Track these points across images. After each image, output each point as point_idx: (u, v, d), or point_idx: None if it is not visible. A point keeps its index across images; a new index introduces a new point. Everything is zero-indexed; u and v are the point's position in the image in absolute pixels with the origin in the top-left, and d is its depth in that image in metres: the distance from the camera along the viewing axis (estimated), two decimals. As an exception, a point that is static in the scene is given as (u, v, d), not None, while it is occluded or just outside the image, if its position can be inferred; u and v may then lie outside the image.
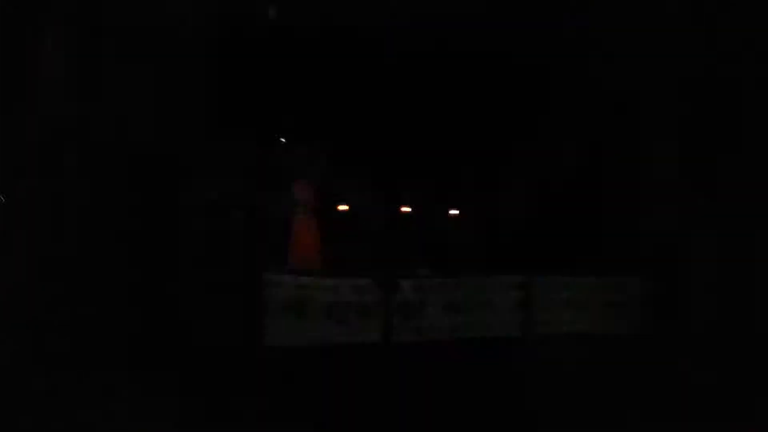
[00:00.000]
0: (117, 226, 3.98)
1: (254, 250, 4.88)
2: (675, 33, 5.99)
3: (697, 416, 4.14)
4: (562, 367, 5.19)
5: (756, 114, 6.16)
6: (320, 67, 6.02)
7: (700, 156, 6.35)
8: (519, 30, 5.92)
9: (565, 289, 5.77)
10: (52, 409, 3.08)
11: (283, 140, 6.38)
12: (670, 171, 6.46)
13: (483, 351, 5.13)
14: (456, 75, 6.42)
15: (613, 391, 4.81)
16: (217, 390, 3.77)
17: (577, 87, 6.62)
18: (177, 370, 3.64)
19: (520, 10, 5.87)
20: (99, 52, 4.21)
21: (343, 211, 6.45)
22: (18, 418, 2.98)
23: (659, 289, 6.07)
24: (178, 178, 4.46)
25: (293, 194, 5.64)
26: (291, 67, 5.84)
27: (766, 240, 6.17)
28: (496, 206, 7.32)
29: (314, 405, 4.03)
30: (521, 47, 6.04)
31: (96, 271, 3.87)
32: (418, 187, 6.80)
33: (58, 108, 4.02)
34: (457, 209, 7.26)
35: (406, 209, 6.88)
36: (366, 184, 6.57)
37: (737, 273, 6.10)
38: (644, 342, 5.77)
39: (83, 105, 4.11)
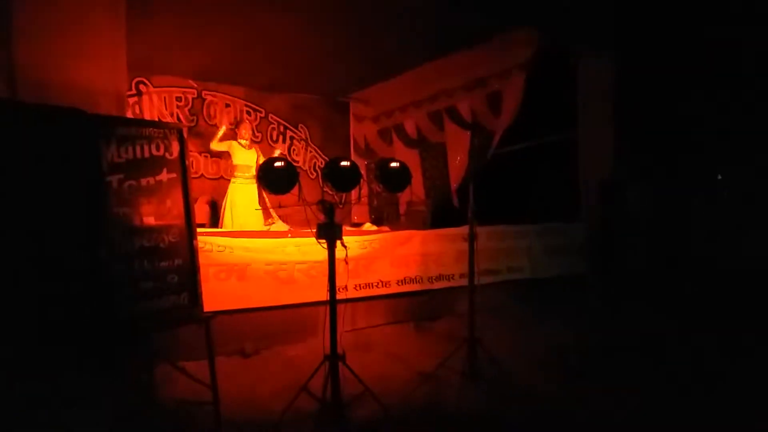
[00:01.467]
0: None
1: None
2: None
3: (638, 350, 4.40)
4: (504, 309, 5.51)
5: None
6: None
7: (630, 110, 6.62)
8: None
9: (506, 238, 5.95)
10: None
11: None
12: (605, 124, 6.69)
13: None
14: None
15: (555, 327, 5.07)
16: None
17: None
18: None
19: None
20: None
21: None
22: None
23: (598, 234, 6.36)
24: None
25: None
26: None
27: (695, 185, 6.53)
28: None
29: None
30: None
31: None
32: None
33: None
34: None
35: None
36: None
37: (670, 215, 6.44)
38: (586, 282, 6.08)
39: None
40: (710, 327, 4.86)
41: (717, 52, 6.43)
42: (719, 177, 7.22)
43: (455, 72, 7.46)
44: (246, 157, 6.47)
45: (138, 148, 3.28)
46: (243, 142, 6.56)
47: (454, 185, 8.16)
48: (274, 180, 3.13)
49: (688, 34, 6.49)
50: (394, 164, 3.45)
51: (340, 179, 3.25)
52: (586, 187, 6.68)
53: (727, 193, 6.84)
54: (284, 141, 8.68)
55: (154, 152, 3.33)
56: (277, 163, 3.12)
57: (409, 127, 8.81)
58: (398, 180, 3.47)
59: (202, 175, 7.72)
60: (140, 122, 4.08)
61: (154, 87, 7.39)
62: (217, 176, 7.79)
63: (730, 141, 6.63)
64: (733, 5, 5.85)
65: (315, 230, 3.21)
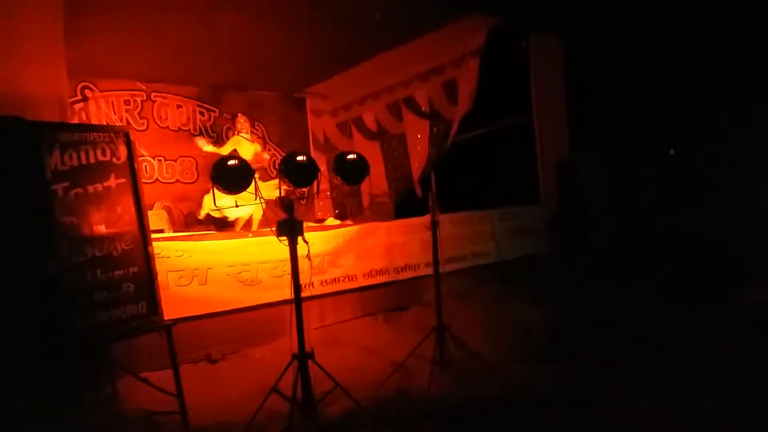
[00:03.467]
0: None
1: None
2: None
3: (603, 327, 4.51)
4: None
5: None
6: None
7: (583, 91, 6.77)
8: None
9: (469, 224, 6.00)
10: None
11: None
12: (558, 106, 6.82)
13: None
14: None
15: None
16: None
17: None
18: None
19: None
20: None
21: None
22: None
23: (557, 214, 6.48)
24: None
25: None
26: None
27: (649, 164, 6.72)
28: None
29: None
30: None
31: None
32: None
33: None
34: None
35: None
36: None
37: (626, 191, 6.61)
38: (549, 262, 6.20)
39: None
40: (670, 298, 5.02)
41: (666, 30, 6.62)
42: (672, 152, 7.46)
43: (410, 62, 7.45)
44: (250, 151, 6.42)
45: (83, 154, 3.15)
46: (245, 135, 6.52)
47: (416, 175, 8.18)
48: (228, 179, 3.05)
49: (637, 14, 6.66)
50: (351, 156, 3.42)
51: (297, 174, 3.20)
52: (543, 169, 6.80)
53: (674, 152, 7.05)
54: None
55: (101, 157, 3.20)
56: (231, 162, 3.04)
57: (368, 120, 8.77)
58: (356, 172, 3.43)
59: (157, 179, 7.49)
60: (84, 127, 3.92)
61: (101, 91, 7.11)
62: (173, 180, 7.57)
63: (681, 115, 6.85)
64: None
65: (275, 228, 3.16)
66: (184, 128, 7.77)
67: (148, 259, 3.31)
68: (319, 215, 8.43)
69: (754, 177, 6.22)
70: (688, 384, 3.30)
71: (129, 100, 7.35)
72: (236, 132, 6.62)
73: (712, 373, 3.42)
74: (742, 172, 6.34)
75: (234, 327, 4.24)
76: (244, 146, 6.46)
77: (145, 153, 7.35)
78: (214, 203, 3.45)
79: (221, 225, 6.26)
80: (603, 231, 6.33)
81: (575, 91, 6.75)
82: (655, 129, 7.12)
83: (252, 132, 6.77)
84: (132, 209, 3.27)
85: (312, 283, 4.61)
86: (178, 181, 7.60)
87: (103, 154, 3.21)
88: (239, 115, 6.77)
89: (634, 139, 7.10)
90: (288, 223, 3.15)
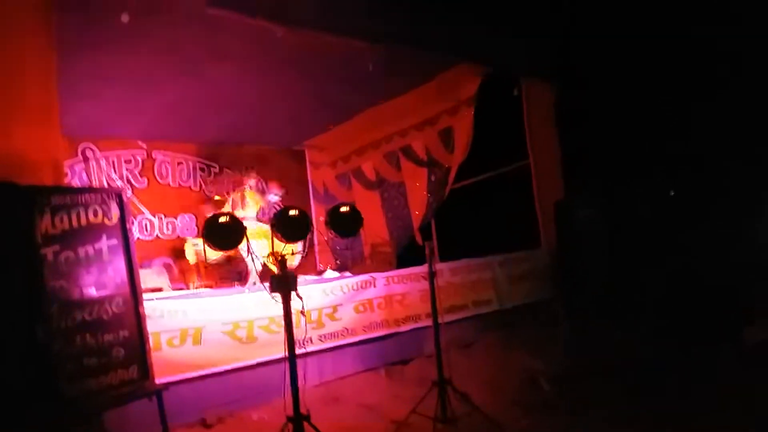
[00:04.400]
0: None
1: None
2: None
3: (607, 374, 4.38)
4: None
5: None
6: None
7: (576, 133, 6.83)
8: None
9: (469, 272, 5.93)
10: None
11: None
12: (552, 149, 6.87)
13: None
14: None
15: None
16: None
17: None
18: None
19: None
20: None
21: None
22: None
23: (557, 258, 6.40)
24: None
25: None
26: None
27: (645, 207, 6.68)
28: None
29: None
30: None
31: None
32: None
33: None
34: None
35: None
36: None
37: (622, 237, 6.54)
38: (551, 308, 6.07)
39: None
40: (672, 338, 4.88)
41: (657, 73, 6.71)
42: (671, 193, 7.42)
43: (406, 112, 7.59)
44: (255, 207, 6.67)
45: (74, 217, 3.15)
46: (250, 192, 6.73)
47: (416, 223, 8.17)
48: (220, 236, 3.03)
49: (627, 60, 6.78)
50: (344, 209, 3.41)
51: (289, 228, 3.17)
52: (541, 213, 6.77)
53: (673, 193, 6.99)
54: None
55: (92, 219, 3.19)
56: (222, 219, 3.03)
57: (367, 170, 8.85)
58: (349, 224, 3.41)
59: (157, 236, 7.50)
60: (76, 190, 3.96)
61: (101, 151, 7.24)
62: (173, 236, 7.58)
63: (679, 154, 6.84)
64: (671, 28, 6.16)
65: (268, 284, 3.11)
66: (184, 184, 7.84)
67: (139, 320, 3.25)
68: (320, 267, 8.36)
69: (757, 216, 6.16)
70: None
71: (130, 159, 7.46)
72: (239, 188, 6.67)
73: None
74: (744, 211, 6.28)
75: (230, 388, 4.10)
76: (249, 202, 6.50)
77: (145, 210, 7.40)
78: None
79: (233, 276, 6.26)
80: (602, 273, 6.22)
81: (570, 134, 6.80)
82: (653, 168, 7.11)
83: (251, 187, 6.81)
84: (123, 270, 3.24)
85: (310, 339, 4.53)
86: (178, 237, 7.60)
87: (95, 215, 3.21)
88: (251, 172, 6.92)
89: (632, 178, 7.09)
90: (281, 278, 3.10)
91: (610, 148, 7.04)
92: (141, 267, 6.45)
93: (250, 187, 6.66)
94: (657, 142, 6.92)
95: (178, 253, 7.21)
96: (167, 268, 6.80)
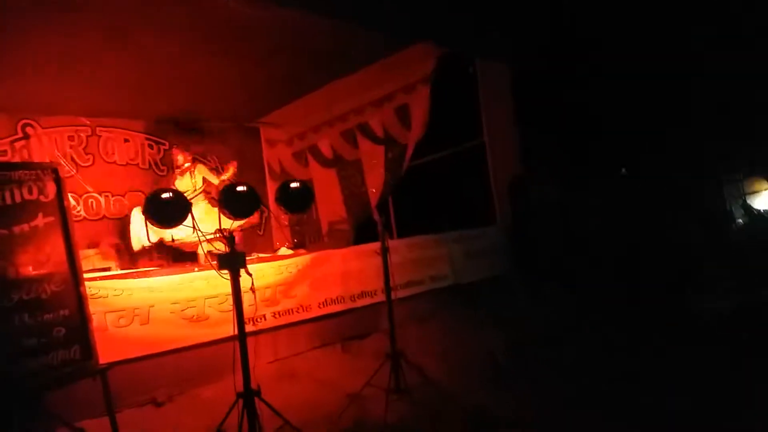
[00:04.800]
0: None
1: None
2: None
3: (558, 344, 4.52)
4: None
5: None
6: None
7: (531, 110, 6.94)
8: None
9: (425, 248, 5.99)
10: None
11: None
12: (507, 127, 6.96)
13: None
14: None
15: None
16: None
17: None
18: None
19: None
20: None
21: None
22: None
23: (512, 233, 6.55)
24: None
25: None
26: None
27: (594, 185, 6.88)
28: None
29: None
30: None
31: None
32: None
33: None
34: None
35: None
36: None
37: (576, 207, 6.72)
38: (506, 282, 6.22)
39: None
40: (622, 306, 5.08)
41: (616, 50, 6.84)
42: (623, 170, 7.66)
43: (362, 89, 7.50)
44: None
45: (8, 194, 3.00)
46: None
47: (373, 201, 8.15)
48: (163, 213, 2.94)
49: (585, 37, 6.89)
50: (294, 185, 3.36)
51: (237, 205, 3.11)
52: (497, 190, 6.88)
53: (624, 171, 7.24)
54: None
55: (27, 196, 3.05)
56: (165, 195, 2.93)
57: (324, 147, 8.74)
58: (300, 200, 3.38)
59: (104, 216, 7.23)
60: (7, 165, 3.77)
61: (43, 128, 6.87)
62: (121, 215, 7.32)
63: (627, 130, 7.05)
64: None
65: (216, 261, 3.05)
66: (132, 162, 7.57)
67: (80, 300, 3.14)
68: (277, 245, 8.27)
69: (708, 192, 6.43)
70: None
71: (73, 136, 7.12)
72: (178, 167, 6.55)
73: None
74: (692, 188, 6.56)
75: (181, 367, 4.04)
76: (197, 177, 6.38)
77: (90, 189, 7.11)
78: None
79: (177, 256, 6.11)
80: (556, 247, 6.38)
81: (526, 113, 6.89)
82: (606, 148, 7.30)
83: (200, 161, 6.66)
84: (62, 248, 3.12)
85: (264, 316, 4.50)
86: (127, 215, 7.34)
87: (30, 192, 3.06)
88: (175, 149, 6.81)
89: (586, 157, 7.27)
90: (229, 255, 3.05)
91: (566, 126, 7.19)
92: (88, 247, 6.31)
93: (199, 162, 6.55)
94: (612, 120, 7.12)
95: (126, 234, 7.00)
96: (116, 247, 6.59)
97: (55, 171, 3.15)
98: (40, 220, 3.06)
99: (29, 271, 2.99)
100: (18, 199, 3.02)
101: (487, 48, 6.77)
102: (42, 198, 3.08)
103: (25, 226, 3.02)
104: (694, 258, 5.90)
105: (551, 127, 7.41)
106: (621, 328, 4.67)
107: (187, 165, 6.72)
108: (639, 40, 6.68)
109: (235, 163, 6.85)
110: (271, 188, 9.07)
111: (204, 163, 7.57)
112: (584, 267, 6.05)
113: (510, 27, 6.66)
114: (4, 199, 2.98)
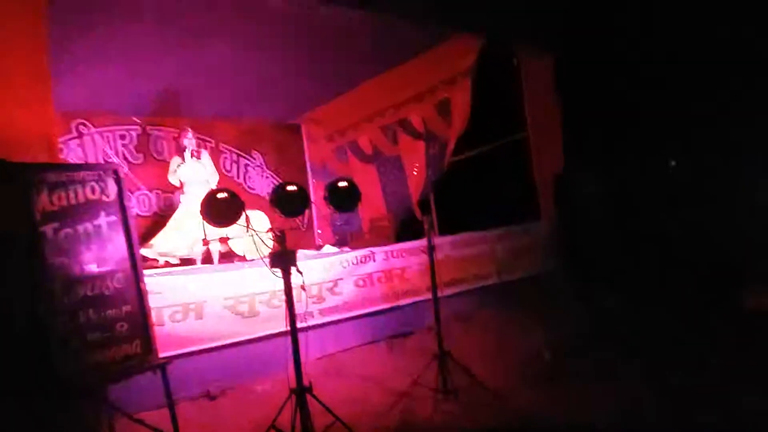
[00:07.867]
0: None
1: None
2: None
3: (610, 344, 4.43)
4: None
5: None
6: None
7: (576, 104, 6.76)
8: None
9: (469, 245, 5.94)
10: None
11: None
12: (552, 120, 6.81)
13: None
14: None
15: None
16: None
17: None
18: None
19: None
20: None
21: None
22: None
23: (558, 229, 6.41)
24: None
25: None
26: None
27: (642, 179, 6.67)
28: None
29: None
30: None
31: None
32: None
33: None
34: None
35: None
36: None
37: (623, 208, 6.53)
38: (553, 279, 6.11)
39: None
40: (673, 307, 4.92)
41: (663, 41, 6.60)
42: (673, 163, 7.39)
43: (403, 84, 7.48)
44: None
45: (72, 194, 3.12)
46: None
47: (414, 197, 8.14)
48: (218, 212, 3.01)
49: (627, 27, 6.67)
50: (342, 184, 3.39)
51: (288, 204, 3.16)
52: (541, 185, 6.75)
53: (674, 163, 6.97)
54: (239, 169, 8.53)
55: (90, 196, 3.16)
56: (221, 195, 3.01)
57: (363, 143, 8.78)
58: (347, 199, 3.40)
59: (155, 212, 7.48)
60: (71, 166, 3.92)
61: (96, 127, 7.15)
62: (171, 212, 7.53)
63: (680, 126, 6.79)
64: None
65: (268, 260, 3.11)
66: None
67: (140, 296, 3.25)
68: (320, 242, 8.37)
69: (762, 185, 6.14)
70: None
71: (125, 135, 7.38)
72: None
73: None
74: (743, 181, 6.27)
75: (233, 361, 4.15)
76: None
77: (142, 186, 7.35)
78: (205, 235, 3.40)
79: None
80: (603, 244, 6.23)
81: (571, 106, 6.73)
82: (654, 140, 7.06)
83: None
84: (123, 246, 3.23)
85: (312, 313, 4.56)
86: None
87: (92, 192, 3.18)
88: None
89: (634, 149, 7.05)
90: (280, 254, 3.10)
91: (612, 119, 6.98)
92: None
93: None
94: (659, 111, 6.86)
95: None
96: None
97: (115, 171, 3.26)
98: (102, 219, 3.17)
99: (93, 268, 3.11)
100: (81, 199, 3.14)
101: (531, 37, 6.63)
102: (104, 197, 3.20)
103: (89, 225, 3.14)
104: (748, 253, 5.66)
105: (597, 120, 7.22)
106: (673, 327, 4.53)
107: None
108: (691, 27, 6.42)
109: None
110: (314, 185, 9.20)
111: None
112: (632, 264, 5.90)
113: (554, 13, 6.51)
114: (68, 198, 3.10)
